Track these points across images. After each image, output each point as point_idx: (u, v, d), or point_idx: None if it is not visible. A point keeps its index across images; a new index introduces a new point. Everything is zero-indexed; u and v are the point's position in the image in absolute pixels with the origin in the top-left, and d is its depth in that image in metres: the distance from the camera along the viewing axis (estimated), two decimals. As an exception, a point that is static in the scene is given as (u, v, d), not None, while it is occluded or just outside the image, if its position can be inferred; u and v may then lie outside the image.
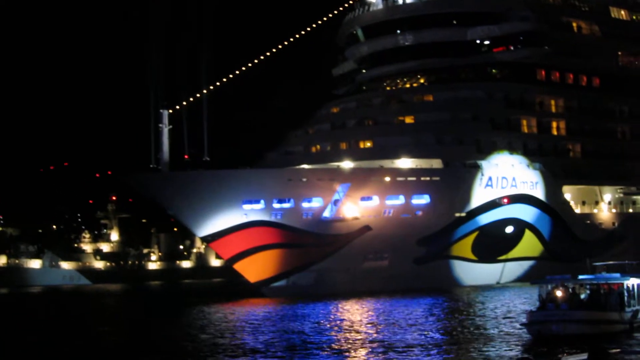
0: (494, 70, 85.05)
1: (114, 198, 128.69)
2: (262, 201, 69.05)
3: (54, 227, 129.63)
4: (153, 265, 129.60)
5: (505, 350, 30.79)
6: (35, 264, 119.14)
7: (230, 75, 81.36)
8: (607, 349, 13.49)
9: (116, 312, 70.59)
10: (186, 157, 72.37)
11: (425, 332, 38.45)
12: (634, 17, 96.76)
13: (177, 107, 71.84)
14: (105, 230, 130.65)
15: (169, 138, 67.60)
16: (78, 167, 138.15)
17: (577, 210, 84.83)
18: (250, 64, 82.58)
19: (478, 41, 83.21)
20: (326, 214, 70.35)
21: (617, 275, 37.82)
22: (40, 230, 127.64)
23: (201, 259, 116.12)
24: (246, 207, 68.63)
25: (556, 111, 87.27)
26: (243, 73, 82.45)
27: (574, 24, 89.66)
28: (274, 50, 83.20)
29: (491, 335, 36.35)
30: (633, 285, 36.61)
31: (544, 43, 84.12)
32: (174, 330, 45.22)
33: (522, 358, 16.25)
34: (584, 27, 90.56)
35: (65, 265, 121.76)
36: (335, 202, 70.18)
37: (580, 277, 37.24)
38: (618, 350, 21.37)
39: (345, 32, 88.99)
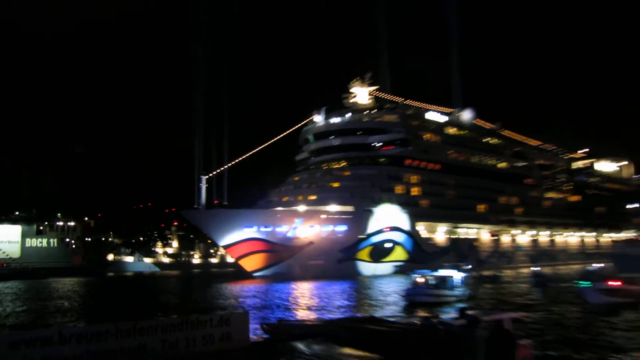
0: (382, 159, 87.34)
1: (175, 223, 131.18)
2: (255, 227, 74.16)
3: (142, 239, 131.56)
4: (196, 260, 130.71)
5: (395, 308, 35.22)
6: (129, 259, 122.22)
7: (241, 158, 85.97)
8: (467, 309, 13.07)
9: (175, 285, 71.69)
10: (216, 202, 79.69)
11: (347, 298, 43.06)
12: (459, 132, 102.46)
13: (210, 174, 78.82)
14: (169, 241, 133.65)
15: (205, 192, 74.67)
16: (156, 205, 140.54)
17: (425, 235, 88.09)
18: (252, 152, 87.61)
19: (374, 144, 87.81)
20: (290, 234, 74.74)
21: (453, 270, 41.84)
22: (133, 241, 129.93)
23: (223, 257, 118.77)
24: (246, 230, 73.85)
25: (414, 182, 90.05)
26: (248, 157, 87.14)
27: (426, 135, 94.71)
28: (266, 145, 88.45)
29: (385, 300, 40.56)
30: (459, 277, 40.77)
31: (409, 145, 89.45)
32: (206, 296, 49.35)
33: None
34: (431, 137, 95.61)
35: (147, 259, 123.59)
36: (295, 228, 74.95)
37: (431, 272, 41.75)
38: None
39: (303, 137, 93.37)
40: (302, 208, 77.77)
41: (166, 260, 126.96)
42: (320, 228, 76.25)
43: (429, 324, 11.73)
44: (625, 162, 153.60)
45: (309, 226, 75.62)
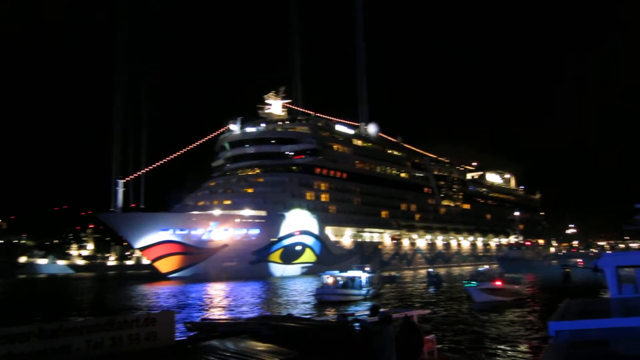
0: (294, 167, 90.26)
1: (91, 226, 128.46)
2: (170, 229, 75.16)
3: (56, 241, 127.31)
4: (111, 262, 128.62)
5: (307, 306, 36.25)
6: (43, 261, 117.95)
7: (158, 163, 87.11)
8: (379, 307, 12.83)
9: (89, 287, 70.77)
10: (133, 205, 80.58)
11: (261, 298, 44.80)
12: (365, 144, 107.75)
13: (127, 178, 79.85)
14: (85, 244, 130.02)
15: (122, 195, 75.17)
16: (73, 208, 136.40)
17: (333, 239, 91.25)
18: (169, 158, 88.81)
19: (287, 152, 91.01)
20: (205, 237, 75.90)
21: (360, 271, 43.42)
22: (47, 243, 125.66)
23: (139, 259, 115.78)
24: (162, 232, 74.61)
25: (324, 189, 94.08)
26: (165, 162, 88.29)
27: (335, 146, 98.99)
28: (183, 151, 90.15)
29: (297, 300, 41.64)
30: (365, 278, 42.48)
31: (319, 155, 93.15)
32: (119, 297, 49.52)
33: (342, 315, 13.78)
34: (339, 148, 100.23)
35: (60, 262, 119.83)
36: (210, 231, 76.13)
37: (340, 273, 43.52)
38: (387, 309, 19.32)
39: (220, 144, 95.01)
40: (217, 212, 79.04)
41: (81, 262, 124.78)
42: (234, 231, 77.71)
43: (345, 320, 11.73)
44: (509, 175, 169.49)
45: (223, 229, 77.02)
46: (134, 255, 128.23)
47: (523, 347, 21.77)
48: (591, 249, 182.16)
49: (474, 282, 39.06)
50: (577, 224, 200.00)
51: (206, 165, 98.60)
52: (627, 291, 9.55)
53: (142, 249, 78.72)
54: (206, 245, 76.49)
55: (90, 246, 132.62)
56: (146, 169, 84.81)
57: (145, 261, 77.27)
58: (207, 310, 35.52)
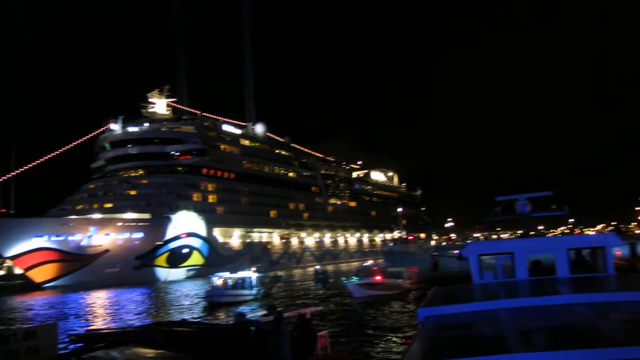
0: (180, 168, 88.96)
1: None
2: (45, 236, 70.96)
3: None
4: None
5: (197, 310, 35.91)
6: None
7: (30, 165, 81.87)
8: (273, 306, 13.02)
9: None
10: (3, 210, 76.08)
11: (148, 304, 43.46)
12: (253, 144, 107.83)
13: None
14: None
15: None
16: None
17: (221, 240, 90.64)
18: (42, 159, 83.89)
19: (172, 152, 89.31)
20: (84, 242, 72.89)
21: (249, 271, 43.90)
22: None
23: (10, 269, 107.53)
24: (35, 239, 70.21)
25: (211, 190, 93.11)
26: (39, 164, 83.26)
27: (222, 146, 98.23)
28: (58, 152, 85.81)
29: (186, 304, 41.70)
30: (254, 277, 42.64)
31: (206, 155, 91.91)
32: None
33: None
34: (227, 148, 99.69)
35: None
36: (90, 236, 73.24)
37: (230, 274, 42.99)
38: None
39: (99, 144, 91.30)
40: (97, 216, 76.67)
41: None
42: (116, 236, 75.58)
43: (239, 321, 11.59)
44: (392, 173, 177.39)
45: (104, 234, 74.63)
46: (4, 265, 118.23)
47: (401, 334, 23.08)
48: (468, 241, 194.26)
49: (356, 278, 40.07)
50: (455, 217, 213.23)
51: (85, 167, 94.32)
52: (487, 277, 10.32)
53: (13, 258, 73.32)
54: (85, 252, 73.32)
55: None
56: (16, 172, 79.60)
57: (18, 271, 71.86)
58: (92, 320, 34.09)
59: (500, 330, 6.07)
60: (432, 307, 7.43)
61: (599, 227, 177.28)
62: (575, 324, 6.17)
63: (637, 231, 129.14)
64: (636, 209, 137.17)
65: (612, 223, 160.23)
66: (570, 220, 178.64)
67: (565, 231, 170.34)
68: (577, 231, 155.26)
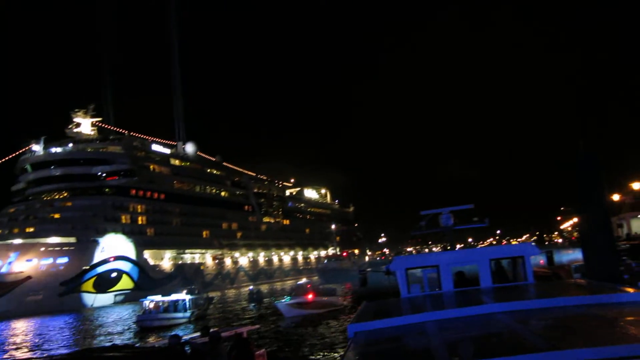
0: (107, 190, 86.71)
1: None
2: None
3: None
4: None
5: (128, 335, 35.61)
6: None
7: None
8: (209, 327, 13.21)
9: None
10: None
11: (73, 332, 42.19)
12: (183, 164, 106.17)
13: None
14: None
15: None
16: None
17: (151, 263, 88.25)
18: None
19: (99, 174, 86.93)
20: (4, 269, 69.92)
21: (182, 294, 43.64)
22: None
23: None
24: None
25: (140, 211, 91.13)
26: None
27: (151, 166, 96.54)
28: None
29: (116, 329, 40.45)
30: (187, 300, 42.54)
31: (134, 175, 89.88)
32: None
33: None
34: (156, 168, 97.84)
35: None
36: (10, 263, 70.27)
37: (162, 297, 43.30)
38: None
39: (20, 166, 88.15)
40: (18, 241, 74.15)
41: None
42: (39, 261, 72.56)
43: (174, 343, 11.27)
44: (324, 190, 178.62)
45: (26, 260, 71.53)
46: None
47: (335, 353, 23.32)
48: (400, 255, 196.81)
49: (288, 297, 40.01)
50: (387, 232, 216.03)
51: (5, 190, 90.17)
52: (415, 290, 10.56)
53: None
54: (5, 279, 69.67)
55: None
56: None
57: None
58: (11, 351, 32.49)
59: (428, 342, 6.24)
60: (362, 323, 7.59)
61: (524, 237, 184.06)
62: (498, 332, 6.43)
63: (558, 240, 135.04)
64: (557, 218, 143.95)
65: (536, 233, 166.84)
66: (497, 232, 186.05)
67: (493, 242, 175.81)
68: (504, 242, 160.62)
